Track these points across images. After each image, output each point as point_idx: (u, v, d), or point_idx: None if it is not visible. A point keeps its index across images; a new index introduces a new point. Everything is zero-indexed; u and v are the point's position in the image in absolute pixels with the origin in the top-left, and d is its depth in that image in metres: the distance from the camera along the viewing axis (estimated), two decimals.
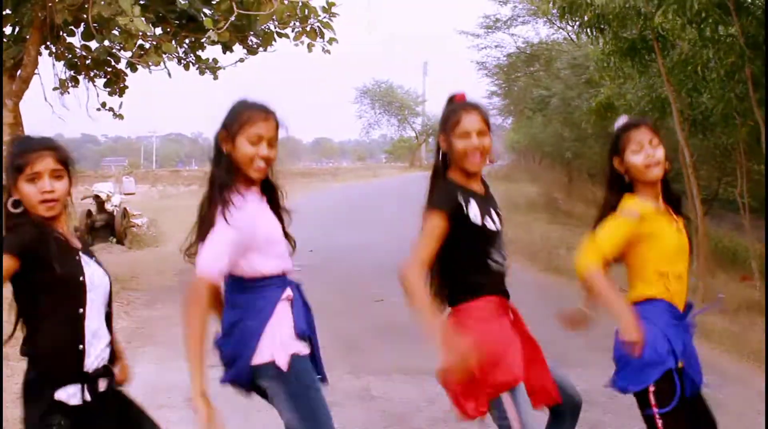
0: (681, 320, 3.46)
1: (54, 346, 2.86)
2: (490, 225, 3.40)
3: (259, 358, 3.08)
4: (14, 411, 3.64)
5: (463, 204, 3.33)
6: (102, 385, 3.00)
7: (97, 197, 16.88)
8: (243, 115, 3.13)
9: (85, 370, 2.90)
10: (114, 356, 3.14)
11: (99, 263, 3.11)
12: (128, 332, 8.34)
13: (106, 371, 3.03)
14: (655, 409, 3.34)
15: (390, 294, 9.64)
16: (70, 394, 2.86)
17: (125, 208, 17.21)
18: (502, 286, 3.49)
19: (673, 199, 3.69)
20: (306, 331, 3.19)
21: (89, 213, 16.46)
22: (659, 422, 3.34)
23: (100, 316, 3.02)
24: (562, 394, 3.48)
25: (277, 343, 3.08)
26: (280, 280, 3.17)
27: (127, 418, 3.14)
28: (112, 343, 3.12)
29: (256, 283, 3.14)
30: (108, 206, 16.77)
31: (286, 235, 3.32)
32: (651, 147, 3.51)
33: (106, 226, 16.49)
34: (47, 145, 2.96)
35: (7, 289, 2.85)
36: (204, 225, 3.10)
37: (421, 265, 3.29)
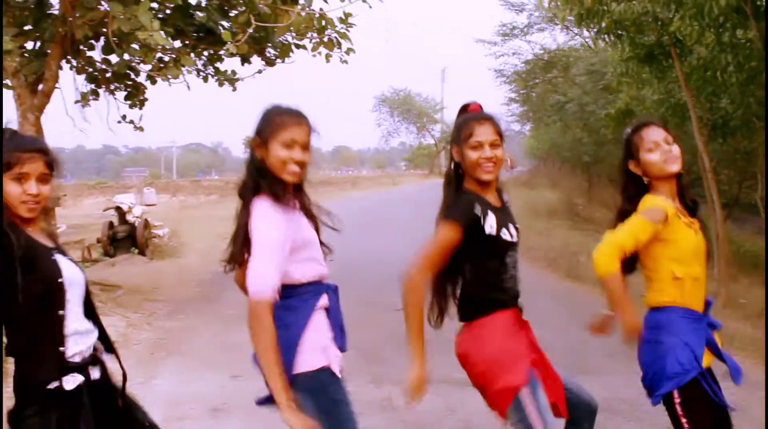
0: (700, 322, 3.45)
1: (35, 350, 2.83)
2: (506, 236, 3.37)
3: (297, 367, 3.05)
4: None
5: (481, 216, 3.31)
6: (94, 373, 2.99)
7: (118, 209, 16.99)
8: (276, 120, 3.13)
9: (69, 366, 2.87)
10: (110, 347, 3.13)
11: (72, 260, 3.05)
12: (150, 343, 8.39)
13: (95, 360, 3.00)
14: (684, 420, 3.33)
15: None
16: (65, 381, 2.83)
17: (146, 219, 17.28)
18: (513, 302, 3.46)
19: (688, 201, 3.64)
20: (343, 344, 3.20)
21: (111, 224, 16.57)
22: None
23: (80, 314, 2.98)
24: (579, 399, 3.48)
25: (312, 353, 3.06)
26: (314, 288, 3.15)
27: (117, 408, 3.12)
28: (103, 336, 3.12)
29: (290, 292, 3.11)
30: (129, 217, 16.85)
31: (321, 241, 3.29)
32: (666, 144, 3.50)
33: (128, 238, 16.55)
34: (40, 148, 2.92)
35: None
36: (241, 234, 3.09)
37: (425, 273, 3.29)
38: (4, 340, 2.81)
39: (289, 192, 3.11)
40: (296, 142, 3.11)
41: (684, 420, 3.34)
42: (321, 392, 3.06)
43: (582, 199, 30.78)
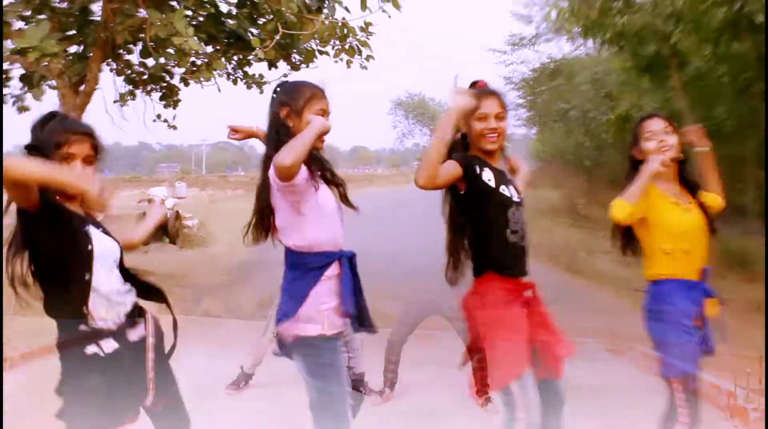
0: (694, 289, 3.57)
1: (65, 308, 2.83)
2: (505, 192, 3.38)
3: (294, 332, 3.13)
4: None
5: (477, 168, 3.32)
6: (133, 335, 3.00)
7: (151, 201, 17.05)
8: (307, 91, 3.19)
9: (98, 330, 2.85)
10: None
11: (107, 233, 3.05)
12: (179, 327, 8.41)
13: (130, 323, 3.00)
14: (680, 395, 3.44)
15: (420, 292, 9.64)
16: (88, 348, 2.83)
17: (177, 211, 17.35)
18: (520, 264, 3.44)
19: (690, 183, 3.80)
20: (350, 309, 3.18)
21: (144, 215, 16.62)
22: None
23: (112, 280, 2.95)
24: (551, 391, 3.48)
25: (307, 323, 3.12)
26: (322, 258, 3.15)
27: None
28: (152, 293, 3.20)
29: (296, 261, 3.16)
30: None
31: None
32: (664, 133, 3.66)
33: (160, 228, 16.60)
34: (87, 131, 2.94)
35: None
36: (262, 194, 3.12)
37: (426, 172, 3.10)
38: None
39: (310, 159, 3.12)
40: (326, 112, 3.19)
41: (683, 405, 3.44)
42: (311, 356, 3.14)
43: (583, 199, 30.59)
